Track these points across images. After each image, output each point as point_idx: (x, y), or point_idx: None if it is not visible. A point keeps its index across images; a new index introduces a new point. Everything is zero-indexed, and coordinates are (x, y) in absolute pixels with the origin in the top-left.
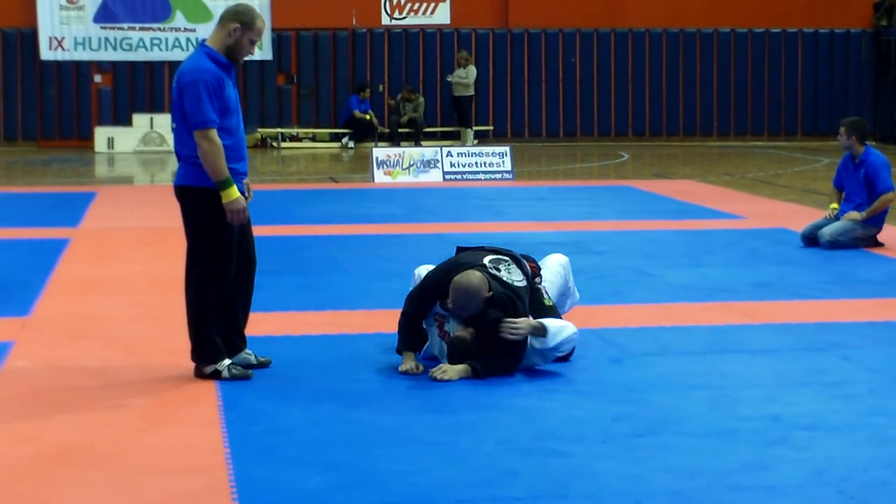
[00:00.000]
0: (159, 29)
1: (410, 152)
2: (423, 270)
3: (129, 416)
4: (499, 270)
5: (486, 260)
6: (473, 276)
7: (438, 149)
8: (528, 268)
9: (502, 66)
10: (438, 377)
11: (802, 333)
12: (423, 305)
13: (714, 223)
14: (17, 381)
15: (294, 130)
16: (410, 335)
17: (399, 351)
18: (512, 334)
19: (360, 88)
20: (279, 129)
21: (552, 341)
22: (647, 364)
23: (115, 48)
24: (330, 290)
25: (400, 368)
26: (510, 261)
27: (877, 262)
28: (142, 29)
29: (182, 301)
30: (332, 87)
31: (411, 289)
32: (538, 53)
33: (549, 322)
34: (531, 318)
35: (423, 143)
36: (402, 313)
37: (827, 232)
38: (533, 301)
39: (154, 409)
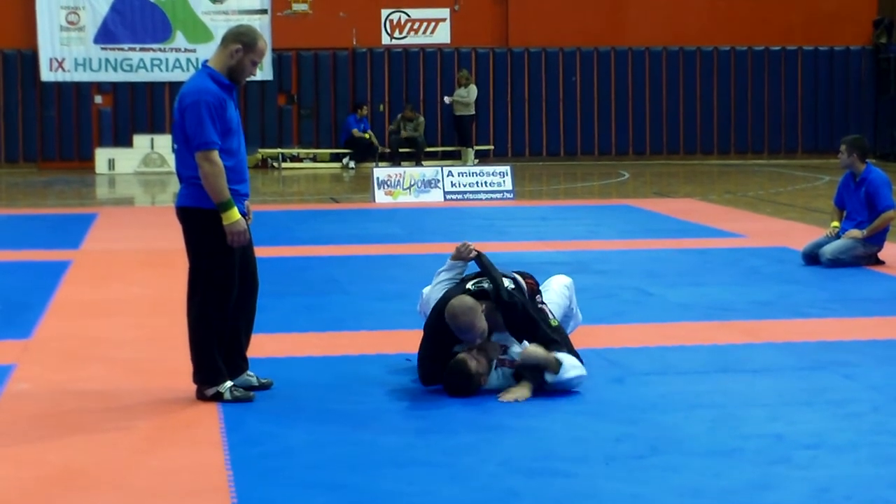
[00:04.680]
0: (160, 49)
1: (411, 172)
2: (430, 291)
3: (131, 438)
4: (482, 285)
5: (468, 286)
6: (463, 299)
7: (439, 169)
8: (523, 283)
9: (503, 86)
10: (507, 399)
11: (804, 352)
12: (437, 353)
13: (715, 242)
14: (20, 404)
15: (295, 151)
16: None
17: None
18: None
19: (357, 107)
20: (280, 150)
21: (564, 376)
22: (649, 384)
23: (115, 69)
24: (332, 311)
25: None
26: (488, 279)
27: (878, 280)
28: (142, 50)
29: (184, 323)
30: (332, 108)
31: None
32: (538, 72)
33: (564, 358)
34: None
35: (423, 162)
36: (420, 365)
37: (828, 250)
38: (539, 320)
39: (156, 431)
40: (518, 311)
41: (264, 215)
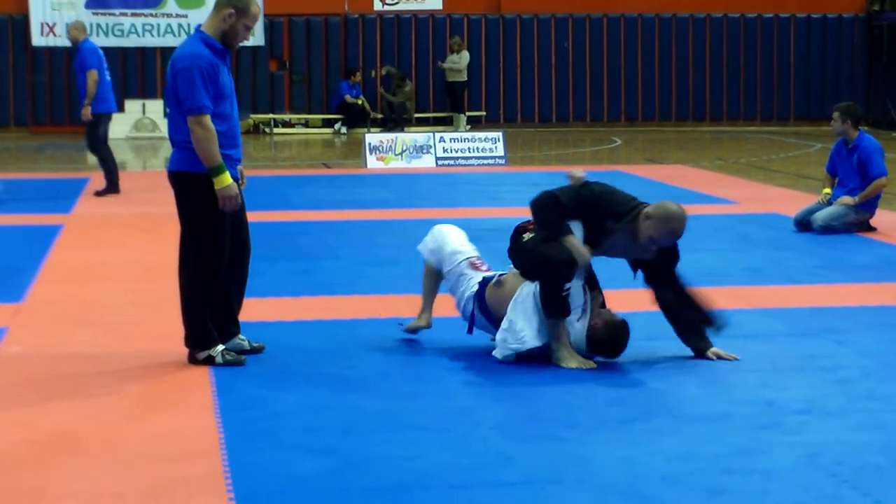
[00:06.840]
0: (151, 15)
1: (403, 138)
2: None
3: (123, 402)
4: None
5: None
6: (674, 204)
7: (431, 134)
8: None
9: (495, 52)
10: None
11: (795, 318)
12: (572, 215)
13: (707, 208)
14: (11, 368)
15: (286, 116)
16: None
17: (561, 235)
18: None
19: (349, 73)
20: (271, 115)
21: None
22: (641, 349)
23: (106, 34)
24: (323, 275)
25: (567, 363)
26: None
27: (869, 246)
28: (133, 15)
29: (175, 287)
30: (324, 73)
31: (556, 195)
32: (531, 39)
33: None
34: None
35: (414, 128)
36: (554, 203)
37: (820, 217)
38: None
39: (148, 395)
40: None
41: (256, 180)
